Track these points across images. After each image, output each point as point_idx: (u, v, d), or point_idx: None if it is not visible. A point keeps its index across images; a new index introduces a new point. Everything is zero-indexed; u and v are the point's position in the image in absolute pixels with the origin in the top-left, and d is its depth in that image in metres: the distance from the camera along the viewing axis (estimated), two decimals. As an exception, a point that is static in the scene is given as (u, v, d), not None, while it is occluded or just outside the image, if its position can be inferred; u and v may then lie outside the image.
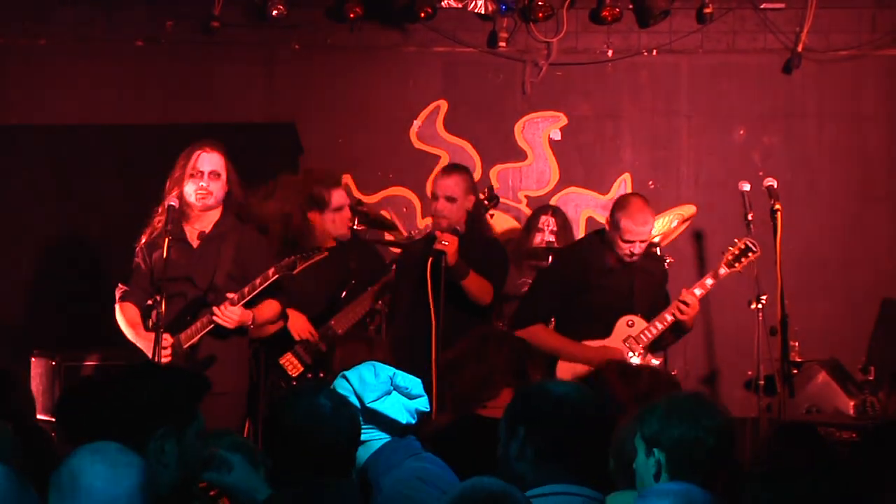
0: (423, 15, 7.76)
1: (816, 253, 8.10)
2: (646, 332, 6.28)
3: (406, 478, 3.72)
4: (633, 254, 6.22)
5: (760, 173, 7.66)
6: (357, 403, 3.70)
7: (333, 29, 8.05)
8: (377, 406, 3.79)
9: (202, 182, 5.88)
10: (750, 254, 6.32)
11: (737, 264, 6.32)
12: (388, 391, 3.84)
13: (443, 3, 7.79)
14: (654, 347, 6.40)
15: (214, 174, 5.91)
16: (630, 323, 6.31)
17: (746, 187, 6.58)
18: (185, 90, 8.07)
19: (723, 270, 6.34)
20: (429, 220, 8.03)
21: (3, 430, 3.31)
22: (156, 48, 8.02)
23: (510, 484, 2.79)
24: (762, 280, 6.44)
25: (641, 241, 6.23)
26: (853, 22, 8.12)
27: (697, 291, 6.31)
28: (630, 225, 6.16)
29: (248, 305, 5.80)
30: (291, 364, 6.39)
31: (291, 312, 6.31)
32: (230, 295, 5.73)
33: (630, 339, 6.28)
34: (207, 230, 5.94)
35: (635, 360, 6.25)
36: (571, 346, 6.32)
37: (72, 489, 2.59)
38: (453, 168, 6.53)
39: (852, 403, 6.95)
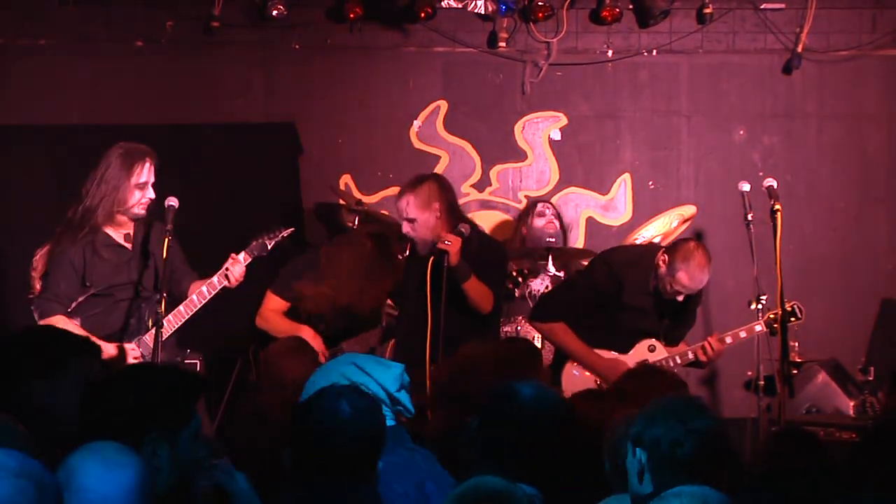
0: (423, 15, 7.75)
1: (816, 253, 8.10)
2: (664, 362, 6.30)
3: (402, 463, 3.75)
4: (677, 297, 6.23)
5: (760, 173, 7.67)
6: (379, 391, 3.72)
7: (333, 29, 8.04)
8: (400, 396, 3.84)
9: (149, 193, 5.91)
10: (793, 319, 6.37)
11: (776, 325, 6.31)
12: (403, 384, 3.89)
13: (443, 4, 7.78)
14: None
15: (152, 185, 5.93)
16: (651, 348, 6.33)
17: (746, 187, 6.58)
18: (185, 90, 8.06)
19: (759, 328, 6.36)
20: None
21: (8, 422, 3.29)
22: (155, 48, 8.02)
23: (511, 483, 2.80)
24: (762, 280, 6.43)
25: (700, 286, 6.26)
26: (853, 22, 8.12)
27: (728, 340, 6.34)
28: (685, 280, 6.18)
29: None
30: None
31: (304, 329, 6.35)
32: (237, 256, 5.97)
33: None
34: (131, 232, 5.96)
35: None
36: (587, 353, 6.32)
37: (66, 488, 2.58)
38: (406, 186, 6.38)
39: (852, 404, 6.95)
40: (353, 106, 8.14)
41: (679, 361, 6.33)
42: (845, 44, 8.10)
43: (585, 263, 6.95)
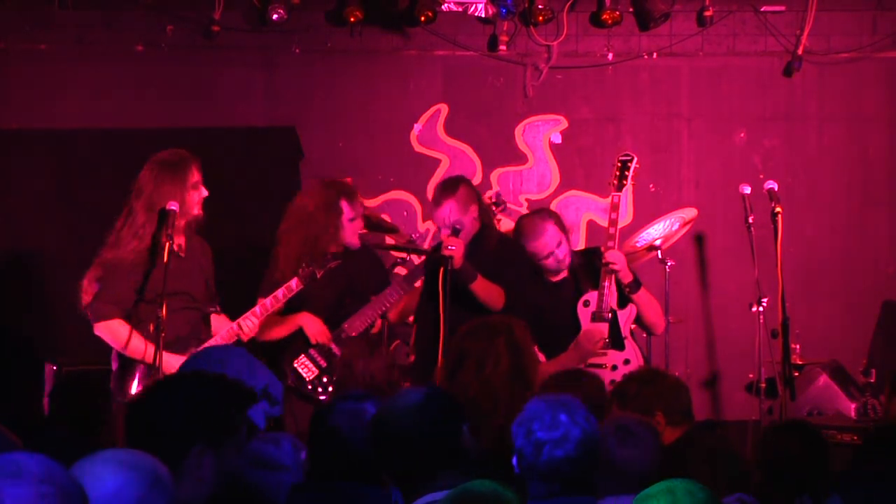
0: (423, 19, 7.76)
1: (817, 255, 8.10)
2: (601, 299, 6.28)
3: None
4: (558, 264, 6.28)
5: (761, 176, 7.68)
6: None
7: (334, 33, 8.05)
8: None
9: (202, 192, 5.91)
10: (630, 164, 6.43)
11: (624, 181, 6.42)
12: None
13: (443, 7, 7.79)
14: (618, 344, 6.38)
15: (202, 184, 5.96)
16: (586, 303, 6.33)
17: (747, 190, 6.58)
18: (186, 94, 8.07)
19: (616, 198, 6.42)
20: (430, 224, 8.05)
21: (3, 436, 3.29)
22: (156, 52, 8.03)
23: (503, 485, 2.80)
24: (763, 283, 6.43)
25: (557, 248, 6.27)
26: (853, 24, 8.12)
27: (612, 231, 6.36)
28: (534, 248, 6.27)
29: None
30: (306, 367, 6.38)
31: (308, 316, 6.34)
32: (256, 309, 5.90)
33: (596, 315, 6.28)
34: (183, 243, 5.96)
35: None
36: (556, 361, 6.28)
37: None
38: (441, 192, 6.35)
39: (853, 406, 6.93)
40: (353, 109, 8.15)
41: (607, 284, 6.29)
42: (846, 46, 8.11)
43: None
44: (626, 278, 6.30)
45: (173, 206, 5.82)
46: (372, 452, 3.31)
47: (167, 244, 5.68)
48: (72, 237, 7.82)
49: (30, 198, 7.83)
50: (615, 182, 6.44)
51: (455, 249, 5.99)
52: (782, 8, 8.07)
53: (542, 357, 6.03)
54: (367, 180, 8.08)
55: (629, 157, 6.45)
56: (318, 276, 5.97)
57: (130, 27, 8.01)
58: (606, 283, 6.29)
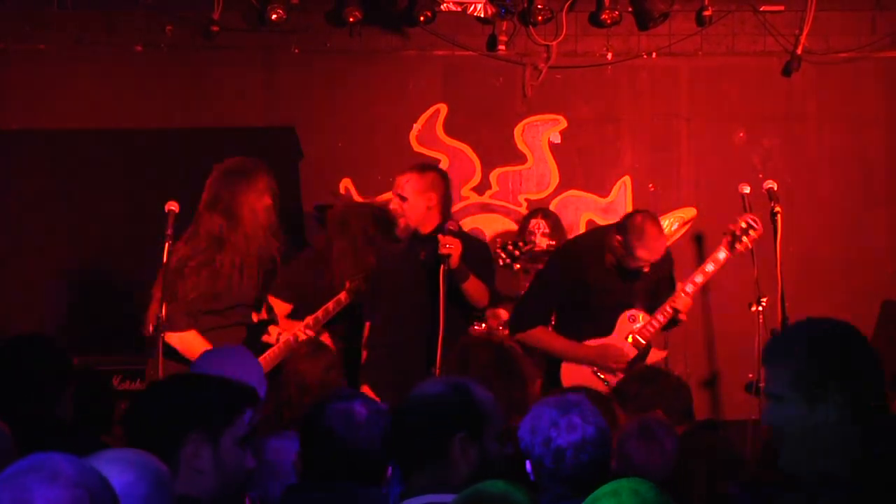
0: (422, 18, 7.75)
1: (816, 255, 8.10)
2: (648, 326, 6.30)
3: None
4: (643, 269, 6.23)
5: (760, 176, 7.67)
6: None
7: (333, 33, 8.05)
8: None
9: (267, 201, 6.05)
10: (751, 231, 6.29)
11: (738, 245, 6.31)
12: None
13: (442, 7, 7.79)
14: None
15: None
16: (632, 318, 6.32)
17: (746, 190, 6.58)
18: (185, 94, 8.07)
19: (722, 254, 6.34)
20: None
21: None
22: (155, 53, 8.02)
23: (514, 486, 2.79)
24: (762, 282, 6.43)
25: (653, 263, 6.25)
26: (853, 24, 8.12)
27: (698, 280, 6.33)
28: (644, 254, 6.17)
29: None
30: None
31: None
32: (309, 321, 6.18)
33: (633, 335, 6.29)
34: (241, 256, 6.02)
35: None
36: (573, 348, 6.33)
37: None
38: (413, 167, 6.49)
39: (853, 406, 6.93)
40: (352, 109, 8.15)
41: (662, 320, 6.30)
42: (845, 46, 8.11)
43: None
44: (682, 320, 6.38)
45: (172, 206, 5.82)
46: (369, 450, 3.32)
47: (167, 244, 5.68)
48: (72, 237, 7.84)
49: (30, 198, 7.83)
50: (730, 238, 6.31)
51: (452, 248, 5.99)
52: (781, 8, 8.07)
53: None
54: (366, 180, 8.09)
55: (753, 226, 6.28)
56: (364, 289, 6.26)
57: (130, 27, 8.01)
58: (661, 319, 6.30)
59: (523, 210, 8.07)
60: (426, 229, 6.24)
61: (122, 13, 7.99)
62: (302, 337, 6.04)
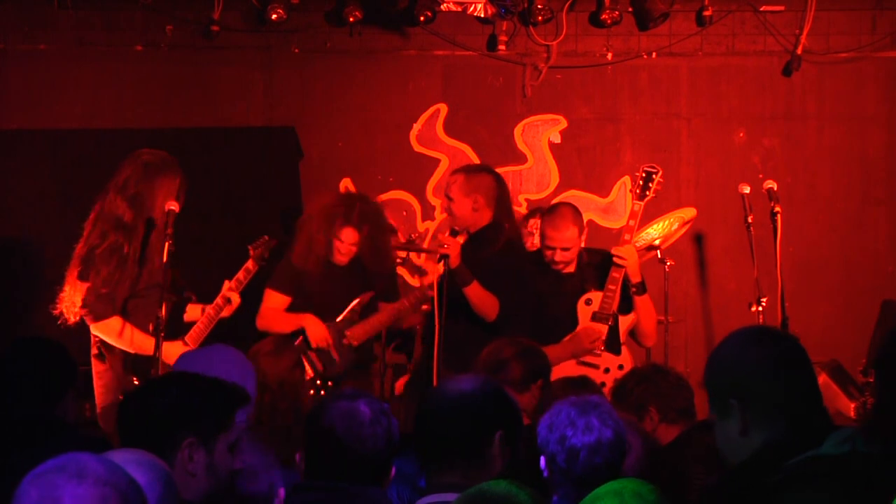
0: (422, 18, 7.76)
1: (816, 255, 8.10)
2: (605, 300, 6.27)
3: None
4: (554, 261, 6.26)
5: (760, 176, 7.68)
6: None
7: (333, 33, 8.06)
8: None
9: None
10: (654, 177, 6.40)
11: (647, 193, 6.39)
12: None
13: (442, 7, 7.79)
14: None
15: None
16: (588, 301, 6.32)
17: (746, 190, 6.58)
18: (185, 94, 8.08)
19: (637, 206, 6.39)
20: (429, 224, 8.06)
21: None
22: (155, 53, 8.03)
23: (518, 486, 2.79)
24: (762, 282, 6.43)
25: (563, 249, 6.26)
26: (853, 24, 8.13)
27: (627, 237, 6.35)
28: (549, 230, 6.26)
29: None
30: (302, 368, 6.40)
31: (311, 319, 6.37)
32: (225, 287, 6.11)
33: (595, 312, 6.28)
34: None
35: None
36: (550, 352, 6.29)
37: None
38: (464, 167, 6.56)
39: (853, 405, 6.94)
40: (352, 109, 8.15)
41: (614, 288, 6.29)
42: (845, 46, 8.11)
43: None
44: (636, 278, 6.30)
45: (172, 206, 5.82)
46: (369, 452, 3.31)
47: (166, 244, 5.69)
48: (71, 237, 7.83)
49: (30, 198, 7.83)
50: (638, 191, 6.41)
51: (450, 248, 6.00)
52: (781, 8, 8.07)
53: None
54: (366, 180, 8.09)
55: (655, 170, 6.43)
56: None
57: (130, 27, 8.01)
58: (613, 286, 6.28)
59: (523, 210, 8.07)
60: (474, 230, 6.29)
61: (122, 13, 7.99)
62: (221, 303, 6.03)
